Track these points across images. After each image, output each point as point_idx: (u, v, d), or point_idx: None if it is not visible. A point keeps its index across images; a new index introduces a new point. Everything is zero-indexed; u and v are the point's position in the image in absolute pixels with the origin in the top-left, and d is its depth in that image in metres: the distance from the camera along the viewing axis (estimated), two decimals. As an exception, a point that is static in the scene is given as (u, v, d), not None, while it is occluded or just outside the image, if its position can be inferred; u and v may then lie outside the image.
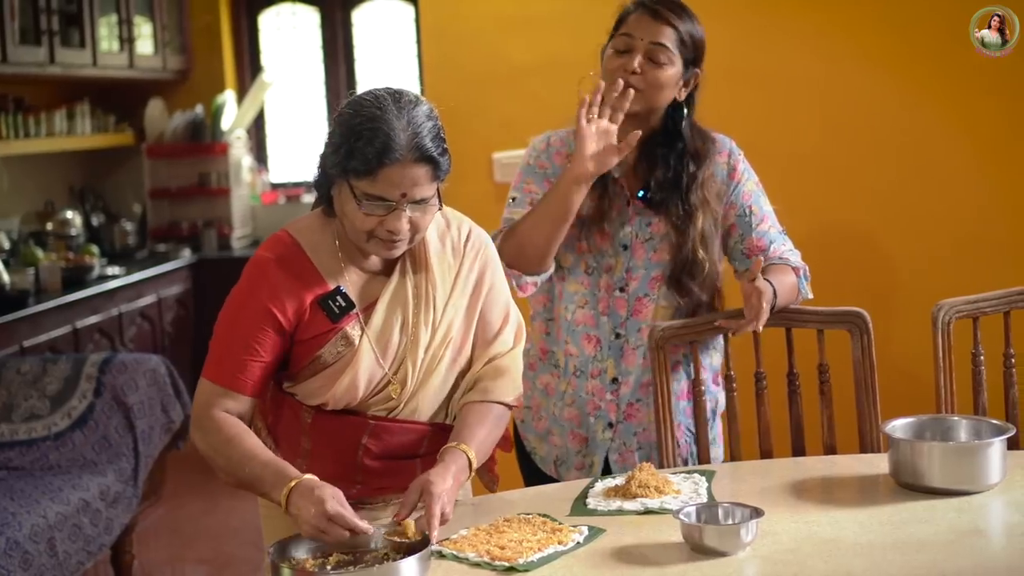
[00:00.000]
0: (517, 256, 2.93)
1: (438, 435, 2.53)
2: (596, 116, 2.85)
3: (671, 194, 2.95)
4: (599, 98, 2.86)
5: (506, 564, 2.18)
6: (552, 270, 3.01)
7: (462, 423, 2.49)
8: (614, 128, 2.86)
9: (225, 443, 2.38)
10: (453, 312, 2.53)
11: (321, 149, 2.45)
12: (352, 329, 2.45)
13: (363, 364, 2.45)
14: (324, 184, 2.44)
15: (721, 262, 3.03)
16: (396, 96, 2.37)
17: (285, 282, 2.43)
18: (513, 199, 3.07)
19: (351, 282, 2.47)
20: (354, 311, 2.46)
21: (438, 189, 2.39)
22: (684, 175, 2.96)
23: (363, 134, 2.31)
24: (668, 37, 2.92)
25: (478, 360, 2.56)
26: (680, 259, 2.95)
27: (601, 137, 2.84)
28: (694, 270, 2.95)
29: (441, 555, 2.24)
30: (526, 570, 2.17)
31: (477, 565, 2.20)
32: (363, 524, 2.21)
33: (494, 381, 2.54)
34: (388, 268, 2.51)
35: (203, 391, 2.44)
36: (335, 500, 2.22)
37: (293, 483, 2.26)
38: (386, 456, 2.50)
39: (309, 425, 2.50)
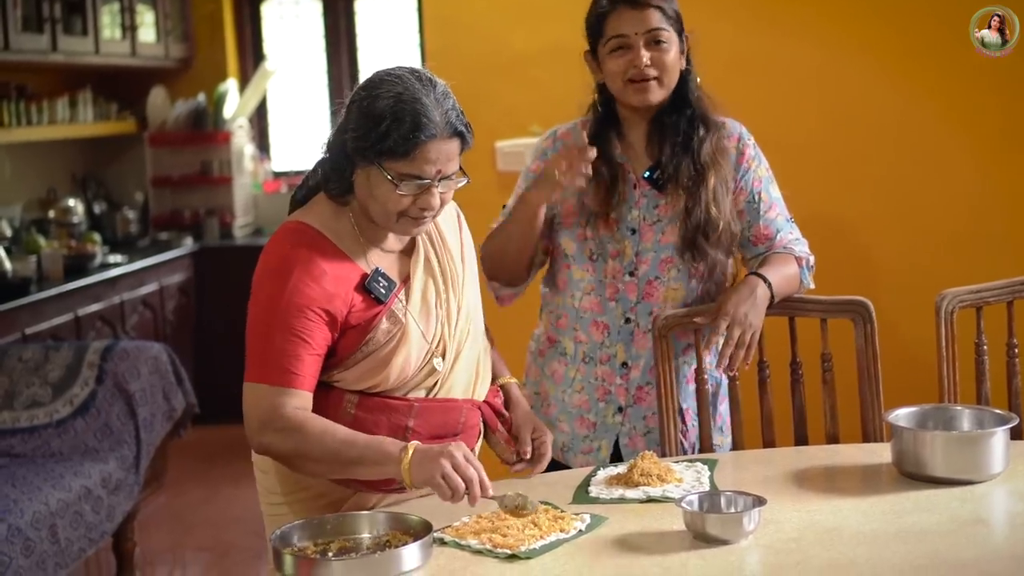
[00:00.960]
0: (495, 267, 3.01)
1: (472, 411, 2.57)
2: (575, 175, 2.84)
3: (682, 158, 2.95)
4: (575, 154, 2.83)
5: (508, 551, 2.18)
6: (530, 280, 3.10)
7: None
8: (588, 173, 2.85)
9: (317, 436, 2.33)
10: (470, 287, 2.59)
11: (333, 138, 2.45)
12: (396, 307, 2.46)
13: (413, 340, 2.46)
14: (344, 170, 2.43)
15: (736, 224, 3.00)
16: (416, 74, 2.38)
17: (324, 271, 2.40)
18: (504, 207, 3.10)
19: (378, 263, 2.48)
20: (395, 289, 2.47)
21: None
22: (695, 137, 2.96)
23: (395, 115, 2.31)
24: (658, 19, 2.91)
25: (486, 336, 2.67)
26: (693, 221, 2.93)
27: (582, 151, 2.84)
28: (708, 229, 2.93)
29: (443, 542, 2.24)
30: (528, 557, 2.17)
31: (479, 552, 2.20)
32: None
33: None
34: (408, 247, 2.54)
35: (260, 396, 2.38)
36: (463, 448, 2.28)
37: (411, 450, 2.27)
38: (432, 437, 2.48)
39: (353, 416, 2.45)
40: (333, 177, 2.46)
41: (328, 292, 2.39)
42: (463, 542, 2.23)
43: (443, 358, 2.51)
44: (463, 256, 2.62)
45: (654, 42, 2.91)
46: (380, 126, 2.32)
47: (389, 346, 2.43)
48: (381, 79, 2.38)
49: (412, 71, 2.39)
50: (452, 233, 2.62)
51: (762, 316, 2.88)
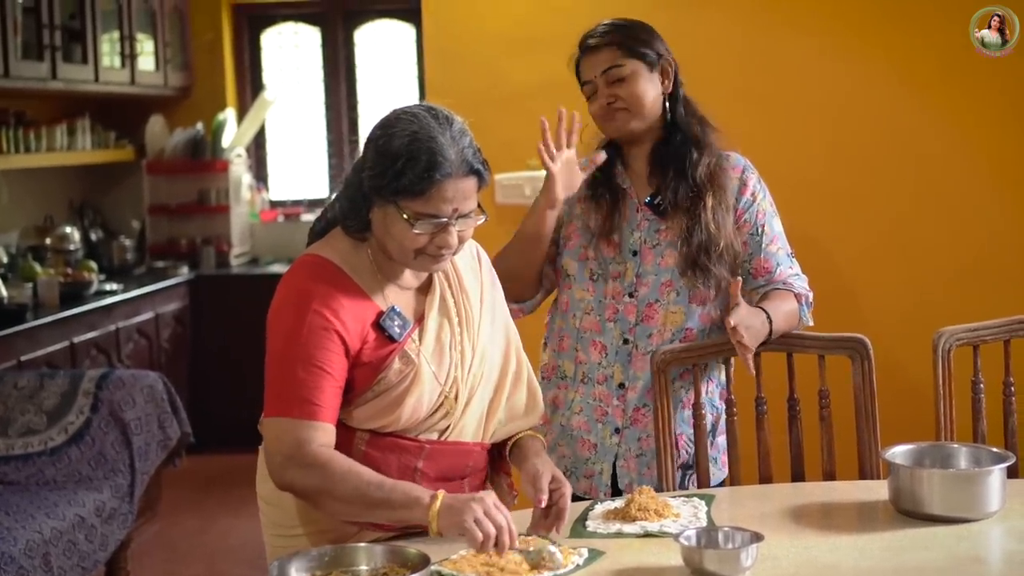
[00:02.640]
0: (504, 282, 3.00)
1: (480, 454, 2.57)
2: (556, 149, 2.95)
3: (679, 181, 2.99)
4: (549, 136, 2.94)
5: None
6: (538, 299, 3.15)
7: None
8: (573, 154, 2.98)
9: (342, 476, 2.31)
10: (486, 330, 2.57)
11: (351, 175, 2.46)
12: (410, 347, 2.45)
13: (425, 381, 2.44)
14: (360, 208, 2.43)
15: (739, 243, 3.02)
16: (432, 112, 2.39)
17: (340, 304, 2.39)
18: None
19: (395, 301, 2.47)
20: (409, 328, 2.46)
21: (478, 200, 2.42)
22: (688, 160, 3.00)
23: (410, 154, 2.32)
24: (611, 57, 3.01)
25: (505, 380, 2.60)
26: (695, 241, 2.96)
27: (566, 165, 2.95)
28: (709, 246, 2.96)
29: (440, 575, 2.24)
30: None
31: None
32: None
33: (530, 406, 2.64)
34: (424, 285, 2.53)
35: (283, 430, 2.35)
36: (493, 496, 2.26)
37: (440, 497, 2.24)
38: (440, 479, 2.48)
39: (363, 453, 2.44)
40: (351, 215, 2.46)
41: (345, 324, 2.38)
42: (460, 575, 2.23)
43: (456, 401, 2.49)
44: (481, 298, 2.59)
45: (613, 80, 3.00)
46: (395, 165, 2.32)
47: (401, 387, 2.42)
48: (398, 117, 2.39)
49: (429, 109, 2.40)
50: (471, 274, 2.61)
51: (756, 344, 2.89)
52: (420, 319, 2.49)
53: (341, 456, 2.35)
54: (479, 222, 2.44)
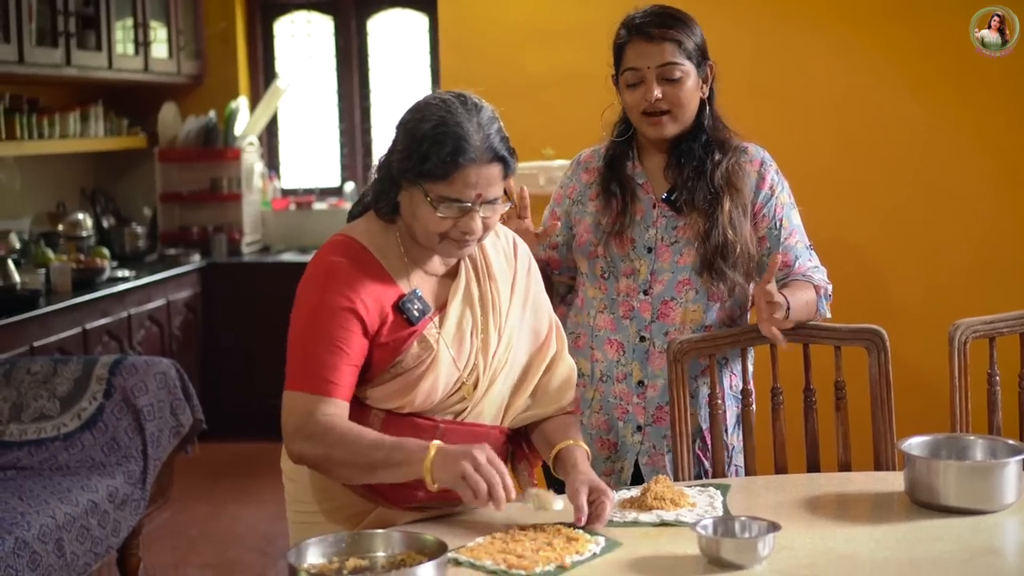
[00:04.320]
0: None
1: (498, 437, 2.58)
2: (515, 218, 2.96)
3: (697, 182, 2.97)
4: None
5: (523, 573, 2.18)
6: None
7: (555, 429, 2.61)
8: (527, 223, 2.96)
9: (345, 440, 2.36)
10: (515, 317, 2.59)
11: (383, 158, 2.50)
12: (429, 332, 2.48)
13: (442, 367, 2.47)
14: (390, 191, 2.47)
15: (754, 246, 3.01)
16: (462, 99, 2.42)
17: (363, 284, 2.44)
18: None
19: (419, 285, 2.50)
20: (430, 313, 2.49)
21: (505, 188, 2.44)
22: (708, 162, 2.98)
23: (436, 138, 2.35)
24: (672, 53, 2.94)
25: (534, 367, 2.61)
26: (712, 243, 2.95)
27: (523, 234, 2.87)
28: (725, 251, 2.95)
29: (457, 562, 2.24)
30: None
31: (493, 573, 2.20)
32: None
33: (560, 391, 2.65)
34: (452, 271, 2.56)
35: (296, 403, 2.41)
36: (487, 450, 2.29)
37: (433, 449, 2.28)
38: None
39: (379, 431, 2.46)
40: (381, 197, 2.51)
41: (365, 304, 2.42)
42: (478, 562, 2.23)
43: (474, 388, 2.52)
44: (513, 284, 2.61)
45: (667, 77, 2.93)
46: (422, 148, 2.37)
47: (418, 370, 2.45)
48: (427, 103, 2.44)
49: (459, 96, 2.44)
50: (503, 260, 2.63)
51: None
52: (443, 306, 2.52)
53: (345, 422, 2.39)
54: (504, 210, 2.47)
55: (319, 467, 2.43)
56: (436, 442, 2.31)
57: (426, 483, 2.29)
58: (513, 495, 2.28)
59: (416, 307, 2.47)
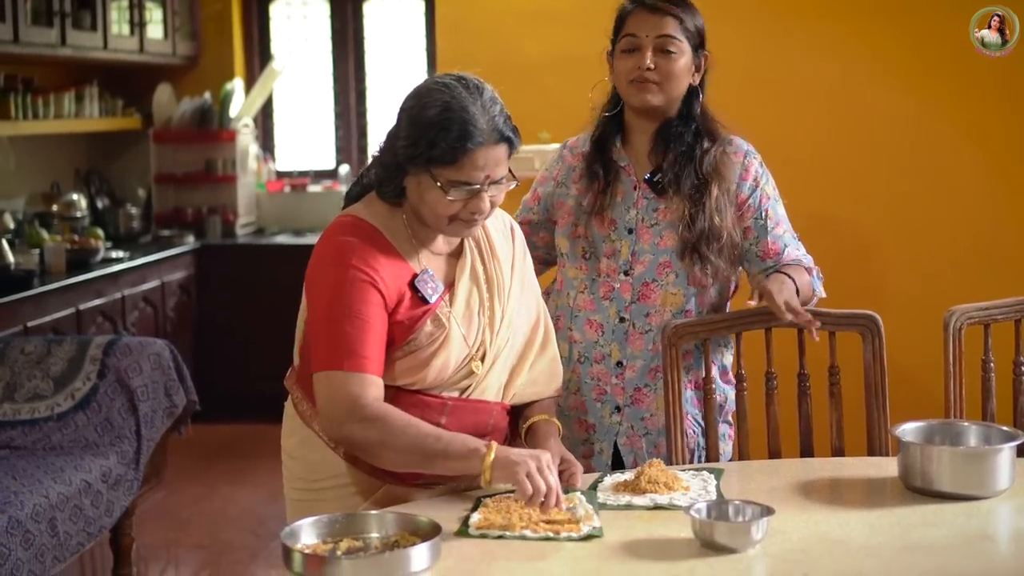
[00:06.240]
0: None
1: (500, 413, 2.62)
2: None
3: (684, 167, 2.98)
4: None
5: (548, 534, 2.27)
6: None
7: (532, 404, 2.70)
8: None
9: (402, 428, 2.38)
10: (516, 297, 2.63)
11: (385, 143, 2.51)
12: (441, 310, 2.50)
13: (454, 344, 2.50)
14: (395, 176, 2.48)
15: (738, 235, 3.02)
16: (463, 82, 2.43)
17: (379, 261, 2.46)
18: (523, 200, 3.23)
19: (427, 265, 2.53)
20: (442, 291, 2.51)
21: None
22: (698, 149, 2.99)
23: (442, 124, 2.37)
24: (673, 27, 2.96)
25: (531, 346, 2.67)
26: (696, 229, 2.96)
27: None
28: (711, 237, 2.96)
29: (468, 534, 2.30)
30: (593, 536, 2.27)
31: (518, 538, 2.27)
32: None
33: (554, 373, 2.72)
34: (456, 250, 2.59)
35: (335, 386, 2.41)
36: (548, 456, 2.35)
37: (494, 447, 2.33)
38: None
39: None
40: (385, 182, 2.52)
41: (384, 280, 2.44)
42: (492, 533, 2.29)
43: (482, 362, 2.55)
44: (513, 266, 2.65)
45: (663, 48, 2.95)
46: (428, 134, 2.38)
47: (431, 348, 2.48)
48: (429, 88, 2.44)
49: (460, 79, 2.45)
50: (504, 242, 2.66)
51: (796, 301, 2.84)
52: (451, 284, 2.55)
53: (396, 410, 2.41)
54: (511, 187, 2.49)
55: (368, 451, 2.43)
56: (495, 443, 2.36)
57: (482, 479, 2.33)
58: (564, 506, 2.33)
59: (430, 285, 2.50)
